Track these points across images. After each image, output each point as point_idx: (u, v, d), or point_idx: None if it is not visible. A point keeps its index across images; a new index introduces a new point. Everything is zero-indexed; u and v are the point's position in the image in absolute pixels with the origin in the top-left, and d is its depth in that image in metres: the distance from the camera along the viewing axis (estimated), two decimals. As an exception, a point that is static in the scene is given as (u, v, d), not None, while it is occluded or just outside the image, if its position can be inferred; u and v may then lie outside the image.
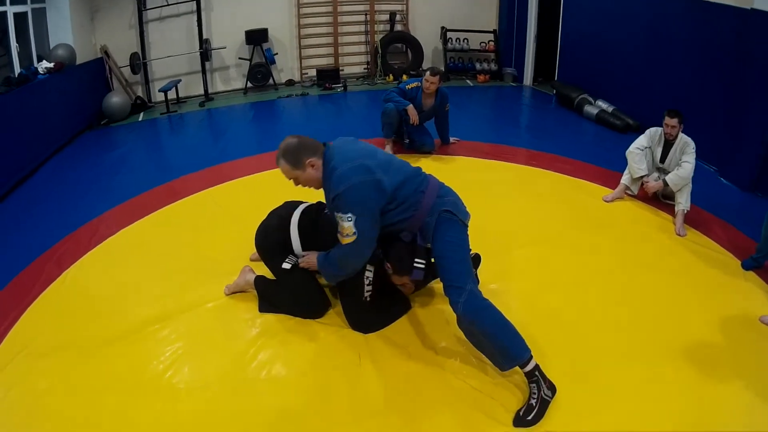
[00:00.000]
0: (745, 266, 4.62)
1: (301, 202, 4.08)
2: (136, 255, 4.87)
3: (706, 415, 3.14)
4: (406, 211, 3.40)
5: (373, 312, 3.83)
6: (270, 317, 3.97)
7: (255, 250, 4.27)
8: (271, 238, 3.96)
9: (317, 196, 4.00)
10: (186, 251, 4.89)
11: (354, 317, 3.81)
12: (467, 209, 3.55)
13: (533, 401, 3.11)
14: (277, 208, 4.13)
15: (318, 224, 3.87)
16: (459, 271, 3.27)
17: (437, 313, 4.01)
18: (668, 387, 3.33)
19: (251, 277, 4.13)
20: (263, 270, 4.18)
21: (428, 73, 6.85)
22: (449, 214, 3.37)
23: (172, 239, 5.12)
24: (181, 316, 3.99)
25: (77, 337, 3.80)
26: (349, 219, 3.22)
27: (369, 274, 3.71)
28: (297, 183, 3.46)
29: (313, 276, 3.97)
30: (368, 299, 3.75)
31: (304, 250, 3.88)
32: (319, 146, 3.42)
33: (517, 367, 3.17)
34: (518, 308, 4.00)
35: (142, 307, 4.09)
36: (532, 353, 3.18)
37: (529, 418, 3.06)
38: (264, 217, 4.16)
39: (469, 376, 3.42)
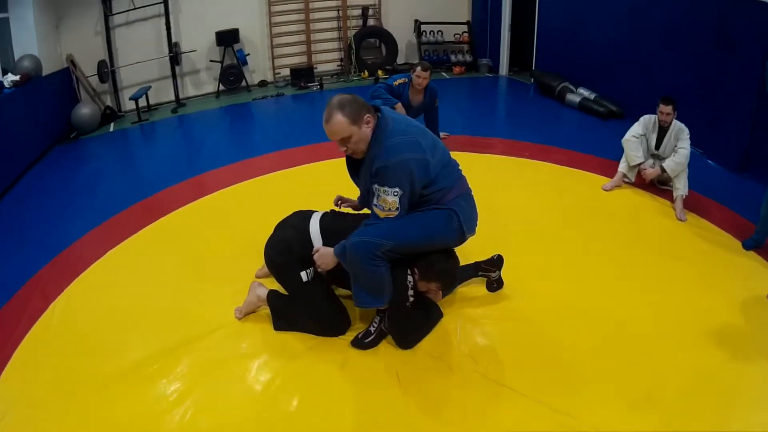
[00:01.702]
0: (746, 246, 4.75)
1: (312, 211, 3.77)
2: (127, 280, 4.51)
3: (730, 397, 3.18)
4: (431, 201, 3.34)
5: (414, 323, 3.63)
6: (290, 339, 3.69)
7: (261, 265, 4.05)
8: (291, 251, 3.58)
9: (320, 204, 3.86)
10: (183, 272, 4.57)
11: (399, 329, 3.56)
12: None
13: (372, 329, 3.59)
14: (287, 219, 3.82)
15: (340, 230, 3.53)
16: (390, 228, 3.23)
17: (468, 318, 3.88)
18: (690, 371, 3.36)
19: (263, 292, 3.83)
20: (273, 285, 3.91)
21: (419, 68, 6.62)
22: (454, 214, 3.33)
23: (165, 260, 4.78)
24: (189, 347, 3.64)
25: (73, 381, 3.39)
26: (396, 193, 3.12)
27: (410, 278, 3.46)
28: (345, 144, 3.19)
29: (333, 290, 3.73)
30: (410, 306, 3.51)
31: None
32: (372, 108, 3.25)
33: None
34: (533, 303, 4.03)
35: (143, 341, 3.72)
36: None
37: (367, 341, 3.55)
38: (267, 229, 3.86)
39: (515, 381, 3.30)
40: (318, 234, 3.57)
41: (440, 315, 3.80)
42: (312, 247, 3.55)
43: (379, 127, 3.19)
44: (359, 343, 3.56)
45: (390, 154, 3.09)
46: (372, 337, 3.57)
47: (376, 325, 3.60)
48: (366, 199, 3.43)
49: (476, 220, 3.53)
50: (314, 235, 3.57)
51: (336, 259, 3.41)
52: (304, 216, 3.71)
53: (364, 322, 3.82)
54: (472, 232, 3.50)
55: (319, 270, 3.56)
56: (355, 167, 3.47)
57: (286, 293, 3.79)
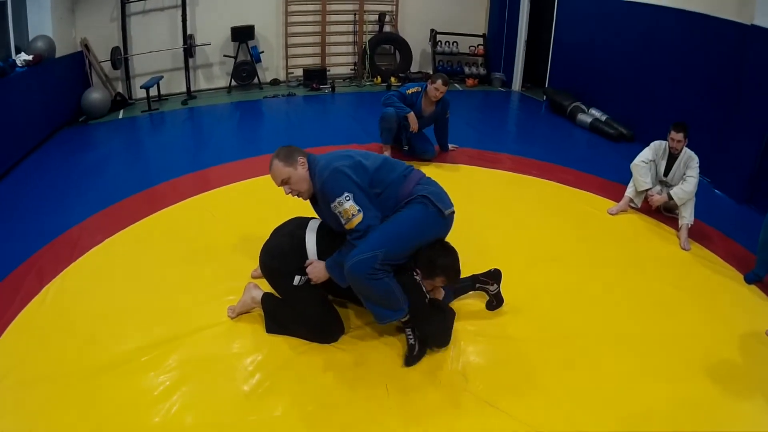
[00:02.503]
0: (748, 280, 4.72)
1: (309, 219, 3.77)
2: (123, 269, 4.49)
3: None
4: (389, 199, 3.46)
5: (441, 319, 3.65)
6: (282, 342, 3.66)
7: (257, 265, 4.01)
8: (285, 259, 3.58)
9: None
10: (180, 265, 4.54)
11: (432, 329, 3.58)
12: (452, 201, 3.60)
13: (411, 341, 3.50)
14: (283, 226, 3.81)
15: (336, 244, 3.52)
16: (375, 238, 3.30)
17: (463, 335, 3.84)
18: (687, 403, 3.35)
19: (258, 294, 3.82)
20: (269, 288, 3.87)
21: (440, 81, 6.60)
22: (424, 199, 3.42)
23: (162, 252, 4.75)
24: (179, 342, 3.61)
25: (61, 366, 3.37)
26: (348, 198, 3.28)
27: (417, 277, 3.49)
28: (287, 184, 3.47)
29: (327, 297, 3.70)
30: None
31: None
32: (305, 152, 3.55)
33: None
34: (530, 323, 4.01)
35: (135, 332, 3.69)
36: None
37: (415, 354, 3.49)
38: (267, 228, 3.85)
39: (504, 401, 3.27)
40: (314, 246, 3.59)
41: (453, 313, 3.78)
42: (306, 257, 3.57)
43: (310, 162, 3.50)
44: (410, 360, 3.50)
45: (322, 172, 3.37)
46: (416, 349, 3.52)
47: (412, 336, 3.53)
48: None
49: (447, 196, 3.57)
50: (310, 246, 3.58)
51: (328, 273, 3.45)
52: (301, 224, 3.72)
53: (358, 329, 3.83)
54: (450, 207, 3.53)
55: (312, 283, 3.57)
56: (315, 206, 3.75)
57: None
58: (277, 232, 3.78)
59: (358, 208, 3.27)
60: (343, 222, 3.31)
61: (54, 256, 4.63)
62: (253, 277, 4.28)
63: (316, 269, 3.50)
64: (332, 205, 3.30)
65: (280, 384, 3.32)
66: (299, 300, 3.61)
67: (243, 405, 3.15)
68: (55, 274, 4.37)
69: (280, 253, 3.60)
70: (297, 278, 3.56)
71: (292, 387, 3.30)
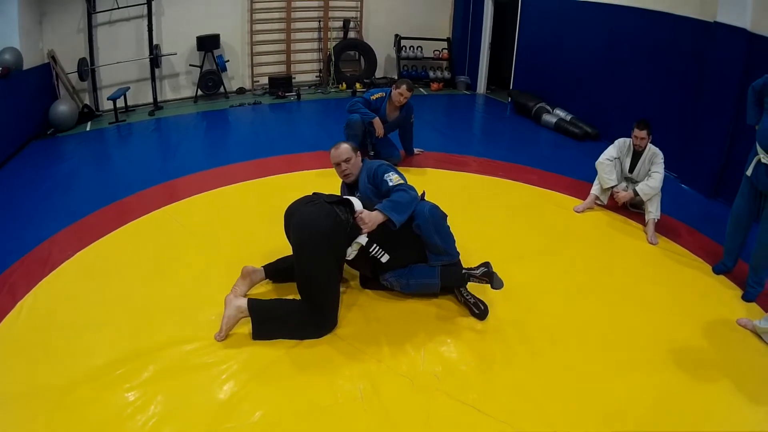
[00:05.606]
0: (716, 271, 4.85)
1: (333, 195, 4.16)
2: (95, 283, 4.49)
3: (700, 419, 3.27)
4: None
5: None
6: (258, 350, 3.69)
7: (236, 267, 4.20)
8: (339, 223, 3.83)
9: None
10: (151, 277, 4.57)
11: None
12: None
13: (468, 299, 4.24)
14: (308, 200, 4.02)
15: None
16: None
17: (433, 336, 3.93)
18: (661, 393, 3.45)
19: (242, 302, 3.79)
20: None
21: (404, 86, 6.74)
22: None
23: (133, 263, 4.77)
24: (155, 353, 3.61)
25: (37, 383, 3.36)
26: (395, 173, 4.23)
27: None
28: (346, 164, 4.39)
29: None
30: None
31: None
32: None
33: None
34: (501, 323, 4.09)
35: (109, 346, 3.68)
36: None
37: (479, 312, 4.16)
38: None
39: (478, 401, 3.34)
40: (359, 202, 4.08)
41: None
42: (348, 234, 3.90)
43: (363, 161, 4.48)
44: (483, 315, 4.11)
45: (373, 164, 4.36)
46: (480, 307, 4.15)
47: (463, 297, 4.24)
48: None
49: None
50: (356, 202, 4.05)
51: (384, 217, 3.91)
52: (331, 196, 4.09)
53: (330, 335, 3.88)
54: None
55: (364, 230, 3.88)
56: (350, 190, 4.50)
57: (268, 299, 3.93)
58: (307, 204, 3.98)
59: (399, 178, 4.18)
60: (391, 183, 4.11)
61: (26, 272, 4.62)
62: (243, 275, 4.27)
63: (372, 216, 3.91)
64: (385, 176, 4.17)
65: (255, 391, 3.36)
66: (327, 281, 3.83)
67: (220, 413, 3.19)
68: (27, 290, 4.36)
69: (332, 223, 3.81)
70: (359, 242, 3.93)
71: (267, 394, 3.35)
